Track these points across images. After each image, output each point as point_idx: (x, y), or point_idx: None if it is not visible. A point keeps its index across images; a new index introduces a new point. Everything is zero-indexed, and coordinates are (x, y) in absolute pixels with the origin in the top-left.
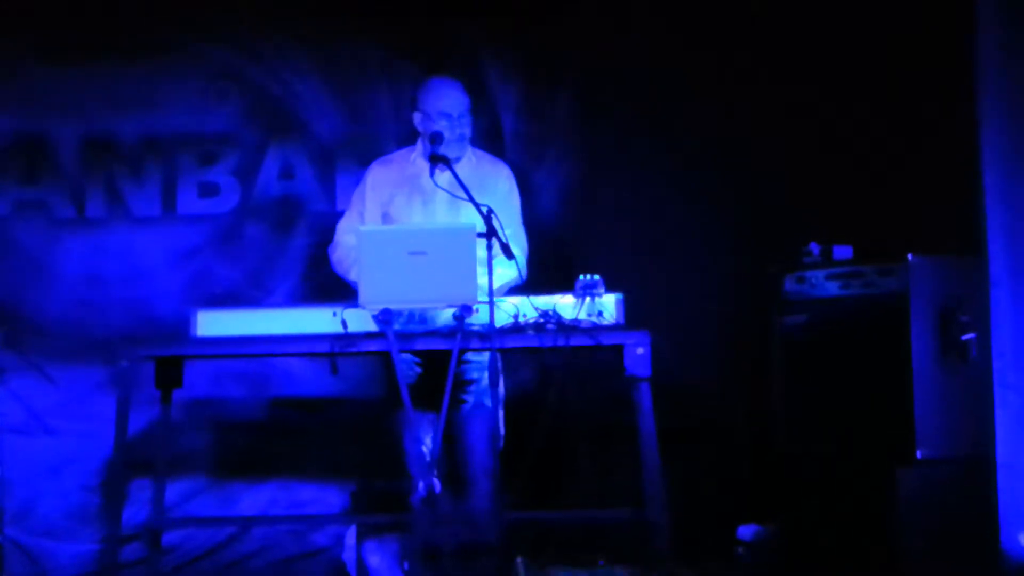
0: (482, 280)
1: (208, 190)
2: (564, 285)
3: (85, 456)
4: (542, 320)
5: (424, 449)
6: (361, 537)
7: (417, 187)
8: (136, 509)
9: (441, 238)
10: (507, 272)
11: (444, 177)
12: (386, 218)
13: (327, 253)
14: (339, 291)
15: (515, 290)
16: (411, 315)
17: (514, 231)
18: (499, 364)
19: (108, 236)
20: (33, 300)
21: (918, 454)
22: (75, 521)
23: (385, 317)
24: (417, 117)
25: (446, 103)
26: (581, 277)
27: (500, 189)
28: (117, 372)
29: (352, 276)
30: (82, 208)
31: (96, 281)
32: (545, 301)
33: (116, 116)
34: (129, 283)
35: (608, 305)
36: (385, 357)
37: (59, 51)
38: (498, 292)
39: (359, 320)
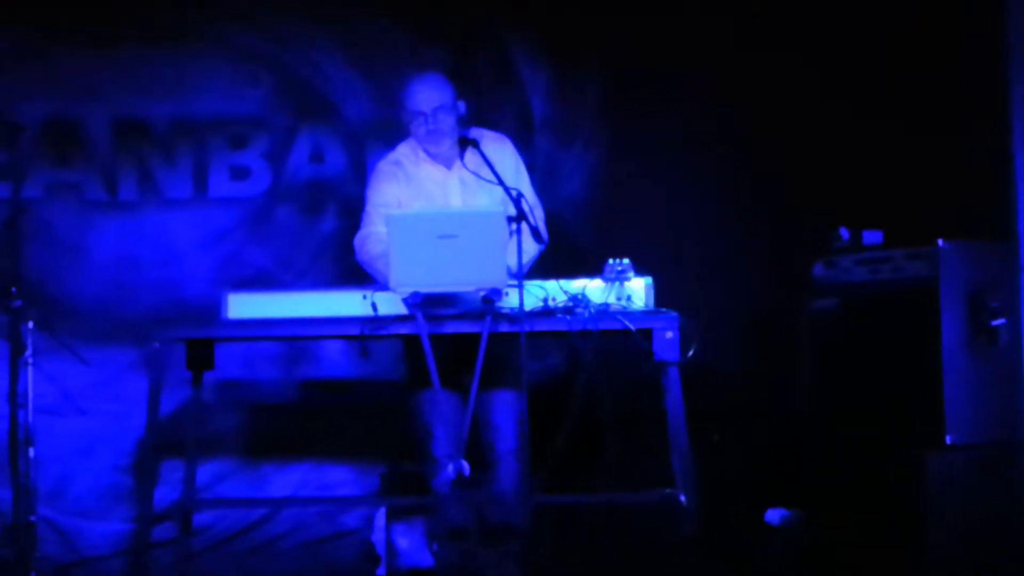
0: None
1: (239, 173)
2: (593, 269)
3: (117, 436)
4: (571, 304)
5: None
6: (390, 519)
7: (424, 186)
8: (168, 489)
9: (471, 222)
10: (531, 246)
11: (470, 159)
12: None
13: (353, 244)
14: (369, 274)
15: (540, 270)
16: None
17: (532, 202)
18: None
19: (140, 219)
20: (66, 282)
21: (947, 440)
22: (107, 501)
23: (415, 300)
24: (403, 115)
25: (417, 101)
26: (610, 261)
27: (508, 166)
28: (149, 354)
29: (379, 265)
30: (115, 191)
31: (128, 263)
32: (574, 285)
33: (148, 99)
34: (161, 265)
35: (637, 289)
36: (407, 340)
37: (90, 35)
38: (524, 266)
39: (389, 303)
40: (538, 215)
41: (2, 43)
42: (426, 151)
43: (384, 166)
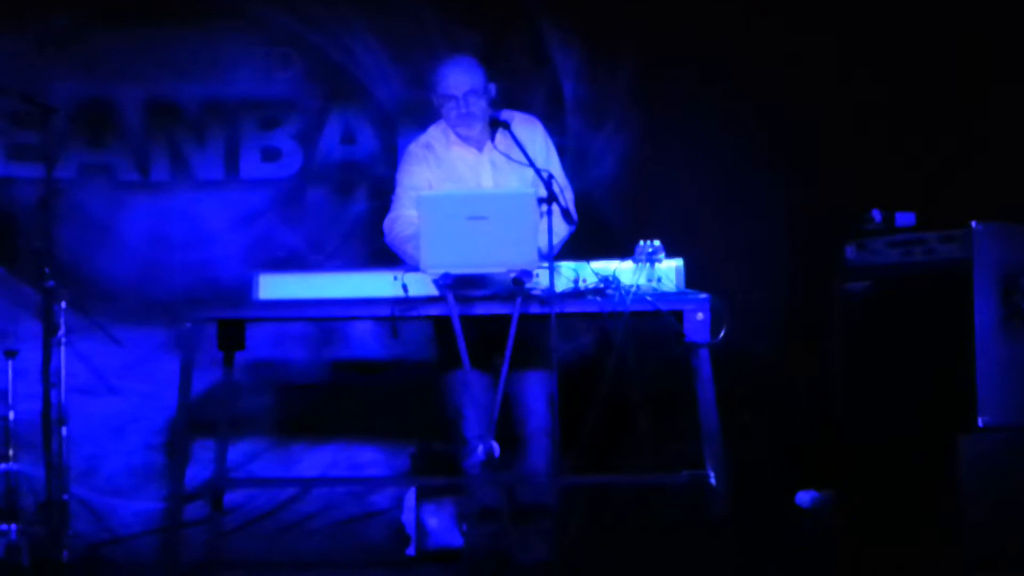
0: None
1: (270, 154)
2: (624, 251)
3: (149, 416)
4: (602, 285)
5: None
6: (420, 499)
7: (455, 169)
8: (199, 469)
9: (502, 203)
10: (562, 227)
11: (501, 141)
12: None
13: (383, 228)
14: (399, 257)
15: (571, 252)
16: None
17: (562, 183)
18: None
19: (172, 199)
20: (98, 262)
21: (980, 422)
22: (139, 479)
23: (446, 281)
24: (433, 98)
25: (449, 84)
26: (641, 243)
27: (539, 147)
28: (180, 334)
29: (409, 248)
30: (146, 172)
31: (160, 244)
32: (605, 267)
33: (180, 81)
34: (192, 246)
35: (668, 271)
36: (438, 321)
37: (124, 16)
38: (556, 247)
39: (419, 284)
40: (568, 196)
41: (37, 25)
42: (457, 133)
43: (415, 149)
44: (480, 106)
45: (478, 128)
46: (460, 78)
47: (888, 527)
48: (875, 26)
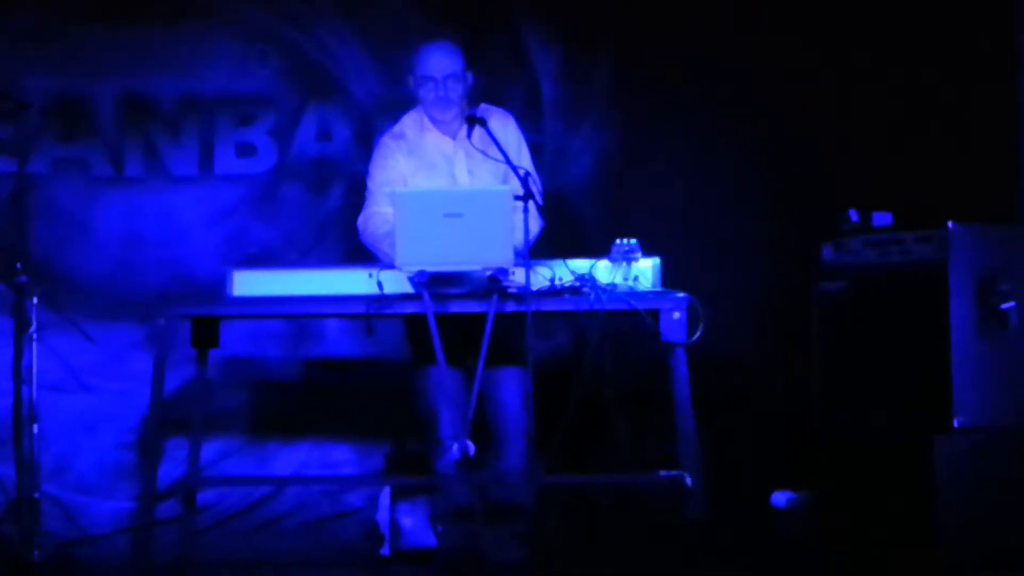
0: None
1: (245, 150)
2: (601, 249)
3: (122, 414)
4: (578, 284)
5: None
6: (395, 498)
7: (428, 155)
8: (172, 467)
9: (478, 200)
10: (535, 224)
11: (477, 137)
12: None
13: (357, 226)
14: (374, 254)
15: (548, 250)
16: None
17: (533, 178)
18: None
19: (146, 195)
20: (71, 258)
21: (955, 423)
22: (111, 478)
23: (421, 279)
24: (410, 81)
25: (428, 66)
26: (618, 242)
27: (511, 141)
28: (154, 331)
29: (384, 247)
30: (120, 167)
31: (134, 240)
32: (582, 265)
33: (155, 75)
34: (166, 242)
35: (645, 270)
36: (411, 319)
37: (100, 10)
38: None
39: (395, 282)
40: (538, 190)
41: (11, 19)
42: (431, 118)
43: (387, 141)
44: (457, 91)
45: (452, 113)
46: (440, 61)
47: (864, 528)
48: (853, 26)
